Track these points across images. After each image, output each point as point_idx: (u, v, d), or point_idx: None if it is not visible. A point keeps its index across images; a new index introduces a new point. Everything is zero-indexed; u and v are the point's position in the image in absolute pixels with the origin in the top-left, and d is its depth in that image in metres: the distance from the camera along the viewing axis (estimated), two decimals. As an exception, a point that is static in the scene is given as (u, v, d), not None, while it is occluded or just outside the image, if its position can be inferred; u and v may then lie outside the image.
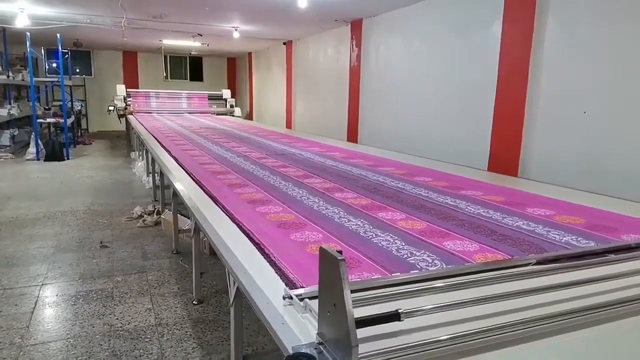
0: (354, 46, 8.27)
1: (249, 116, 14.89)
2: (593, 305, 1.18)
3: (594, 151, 4.19)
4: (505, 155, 5.05)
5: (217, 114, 10.24)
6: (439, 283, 1.30)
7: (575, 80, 4.36)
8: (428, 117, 6.48)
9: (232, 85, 16.60)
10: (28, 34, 9.03)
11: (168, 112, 10.02)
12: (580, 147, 4.32)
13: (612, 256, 1.58)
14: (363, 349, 0.93)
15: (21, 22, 7.97)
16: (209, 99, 10.86)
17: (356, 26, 8.16)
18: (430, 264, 1.54)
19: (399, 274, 1.44)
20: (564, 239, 1.81)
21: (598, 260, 1.54)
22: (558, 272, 1.43)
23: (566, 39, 4.42)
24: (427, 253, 1.64)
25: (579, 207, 2.34)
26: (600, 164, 4.13)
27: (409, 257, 1.60)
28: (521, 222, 2.03)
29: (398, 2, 6.69)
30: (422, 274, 1.42)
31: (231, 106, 10.75)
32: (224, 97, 10.91)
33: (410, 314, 1.05)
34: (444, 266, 1.52)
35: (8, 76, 9.77)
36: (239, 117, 10.42)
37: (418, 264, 1.54)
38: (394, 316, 1.03)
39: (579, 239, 1.81)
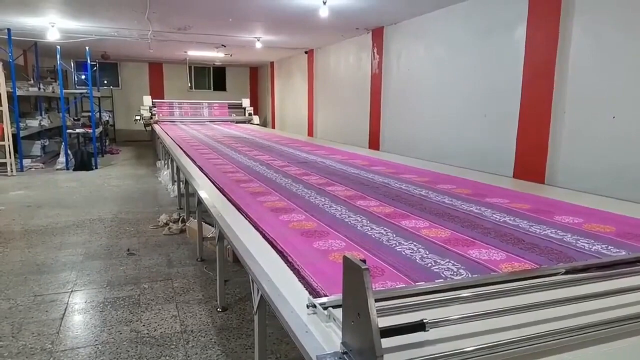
0: (375, 53, 8.27)
1: (271, 124, 15.03)
2: (624, 316, 1.14)
3: (624, 157, 4.07)
4: (531, 161, 4.96)
5: (237, 122, 10.54)
6: (464, 293, 1.28)
7: (603, 84, 4.25)
8: (451, 124, 6.42)
9: (254, 94, 16.78)
10: (58, 47, 9.35)
11: (191, 121, 10.31)
12: (609, 153, 4.21)
13: (644, 265, 1.54)
14: (388, 359, 0.92)
15: (52, 36, 8.29)
16: (229, 107, 11.22)
17: (377, 34, 8.17)
18: (455, 273, 1.52)
19: (423, 283, 1.42)
20: (594, 247, 1.76)
21: (629, 269, 1.50)
22: (588, 282, 1.40)
23: (593, 42, 4.32)
24: (452, 262, 1.62)
25: (609, 214, 2.28)
26: (631, 170, 4.01)
27: (433, 266, 1.58)
28: (549, 230, 1.99)
29: (419, 9, 6.68)
30: (447, 284, 1.41)
31: (249, 114, 11.08)
32: (243, 105, 11.27)
33: (436, 324, 1.04)
34: (470, 275, 1.50)
35: (39, 88, 10.11)
36: (257, 124, 10.67)
37: (442, 273, 1.52)
38: (419, 326, 1.02)
39: (609, 247, 1.76)
